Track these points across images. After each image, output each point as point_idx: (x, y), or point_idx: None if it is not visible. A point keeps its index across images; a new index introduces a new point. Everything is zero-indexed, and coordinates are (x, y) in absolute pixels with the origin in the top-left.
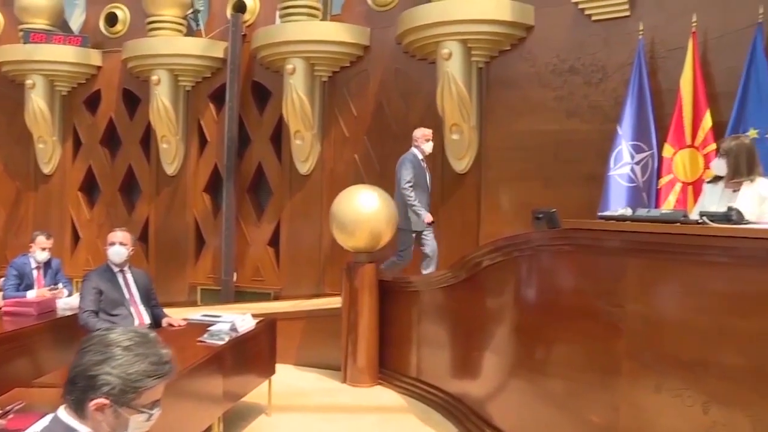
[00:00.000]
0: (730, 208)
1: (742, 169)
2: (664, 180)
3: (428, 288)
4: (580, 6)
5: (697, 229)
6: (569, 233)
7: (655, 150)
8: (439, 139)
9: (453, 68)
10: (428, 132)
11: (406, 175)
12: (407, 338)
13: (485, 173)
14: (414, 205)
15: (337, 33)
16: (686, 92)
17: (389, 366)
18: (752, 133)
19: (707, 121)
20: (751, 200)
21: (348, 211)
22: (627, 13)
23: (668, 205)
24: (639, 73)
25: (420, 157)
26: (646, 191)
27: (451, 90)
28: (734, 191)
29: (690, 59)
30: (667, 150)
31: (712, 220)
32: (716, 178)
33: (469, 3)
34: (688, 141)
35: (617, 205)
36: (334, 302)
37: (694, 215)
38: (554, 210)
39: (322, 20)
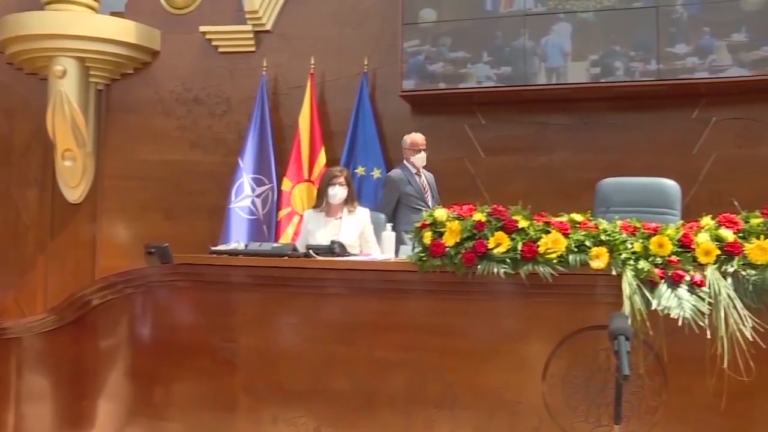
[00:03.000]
0: (333, 242)
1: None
2: (283, 213)
3: (29, 334)
4: (208, 36)
5: (304, 262)
6: (182, 268)
7: (275, 183)
8: (49, 165)
9: (67, 87)
10: (418, 139)
11: (384, 197)
12: (4, 395)
13: (102, 203)
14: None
15: (120, 31)
16: (304, 129)
17: None
18: (360, 170)
19: (322, 158)
20: (354, 229)
21: None
22: (252, 49)
23: (286, 237)
24: (261, 108)
25: (413, 170)
26: (266, 224)
27: (64, 111)
28: (336, 219)
29: (308, 98)
30: (286, 184)
31: (317, 253)
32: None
33: (89, 18)
34: (306, 175)
35: (239, 238)
36: None
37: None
38: (166, 244)
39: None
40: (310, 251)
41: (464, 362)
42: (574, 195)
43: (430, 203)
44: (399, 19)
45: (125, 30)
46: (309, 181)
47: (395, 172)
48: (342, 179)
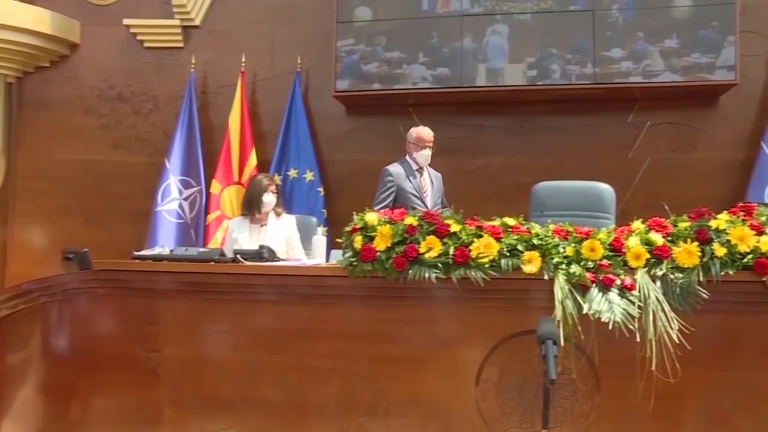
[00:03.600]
0: (261, 246)
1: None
2: (212, 216)
3: None
4: (132, 30)
5: (231, 268)
6: (102, 275)
7: (203, 186)
8: None
9: None
10: (425, 134)
11: (378, 190)
12: None
13: (13, 206)
14: None
15: (34, 20)
16: (234, 129)
17: None
18: (292, 172)
19: (253, 159)
20: (280, 235)
21: None
22: (180, 44)
23: (215, 242)
24: (190, 107)
25: (414, 167)
26: (194, 228)
27: None
28: (261, 225)
29: (239, 97)
30: (215, 186)
31: (245, 258)
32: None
33: None
34: (236, 178)
35: (165, 243)
36: None
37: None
38: (85, 249)
39: None
40: (238, 256)
41: (397, 369)
42: (510, 198)
43: (428, 204)
44: (333, 17)
45: (39, 19)
46: (239, 183)
47: (394, 166)
48: (274, 186)
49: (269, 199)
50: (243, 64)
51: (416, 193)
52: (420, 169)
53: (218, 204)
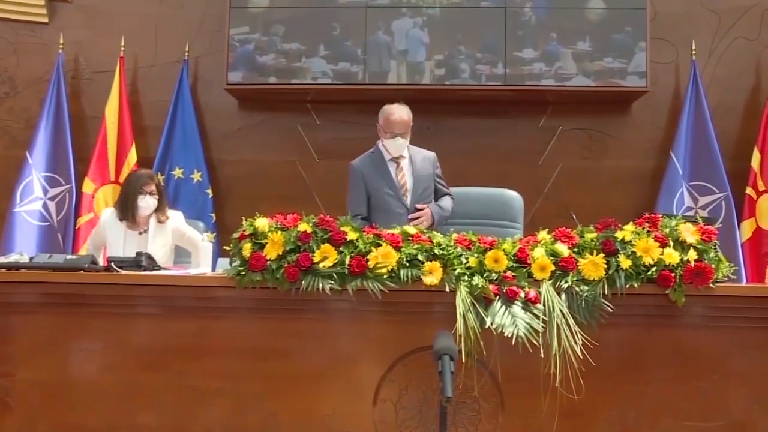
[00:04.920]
0: (139, 254)
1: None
2: (84, 219)
3: None
4: None
5: (104, 278)
6: None
7: (73, 184)
8: None
9: None
10: (393, 117)
11: (348, 192)
12: None
13: None
14: None
15: None
16: (111, 122)
17: None
18: (177, 172)
19: (133, 156)
20: (164, 244)
21: None
22: (45, 19)
23: (86, 248)
24: (57, 93)
25: (386, 156)
26: (62, 232)
27: None
28: (140, 233)
29: (117, 86)
30: (88, 185)
31: (120, 267)
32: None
33: None
34: (112, 176)
35: (25, 248)
36: None
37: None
38: None
39: None
40: (113, 264)
41: (289, 388)
42: None
43: (408, 203)
44: (226, 1)
45: None
46: (116, 182)
47: (359, 159)
48: (153, 187)
49: (146, 203)
50: (122, 48)
51: (391, 191)
52: (395, 160)
53: (91, 206)
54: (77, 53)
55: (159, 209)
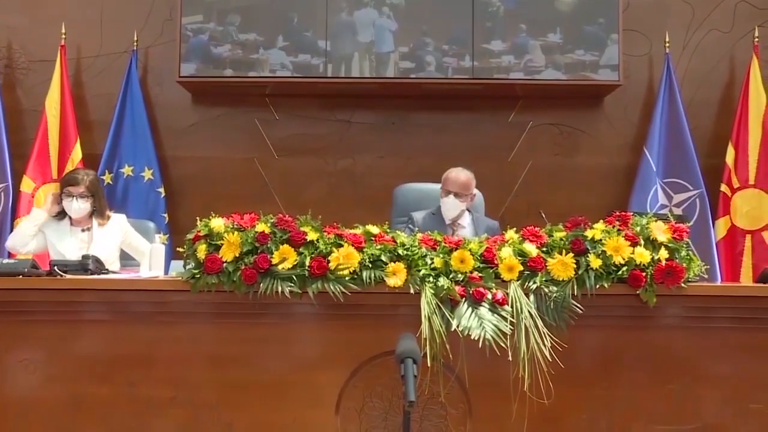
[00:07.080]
0: (85, 256)
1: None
2: (22, 220)
3: None
4: None
5: (47, 282)
6: None
7: (10, 183)
8: None
9: None
10: (450, 174)
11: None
12: None
13: None
14: None
15: None
16: (53, 116)
17: None
18: (127, 170)
19: (77, 153)
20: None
21: None
22: None
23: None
24: None
25: (446, 221)
26: None
27: None
28: (83, 230)
29: (58, 77)
30: (27, 184)
31: (65, 271)
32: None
33: None
34: (54, 174)
35: None
36: None
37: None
38: None
39: None
40: (56, 269)
41: (247, 397)
42: (379, 204)
43: None
44: None
45: None
46: (59, 180)
47: (419, 213)
48: (83, 189)
49: (75, 206)
50: (63, 36)
51: None
52: (454, 224)
53: (30, 205)
54: (11, 40)
55: (97, 213)
